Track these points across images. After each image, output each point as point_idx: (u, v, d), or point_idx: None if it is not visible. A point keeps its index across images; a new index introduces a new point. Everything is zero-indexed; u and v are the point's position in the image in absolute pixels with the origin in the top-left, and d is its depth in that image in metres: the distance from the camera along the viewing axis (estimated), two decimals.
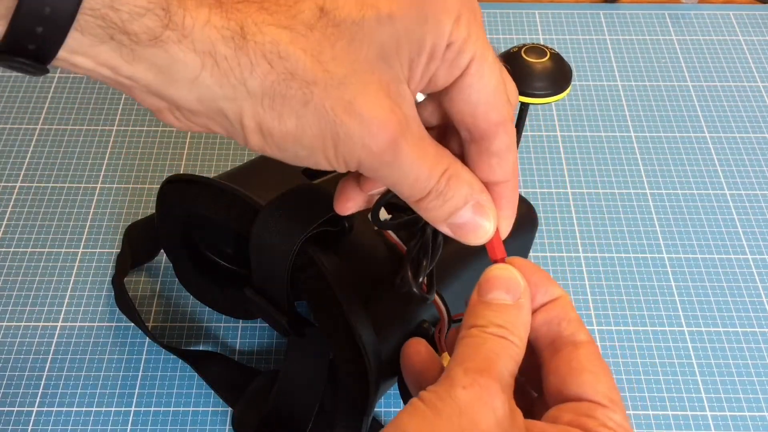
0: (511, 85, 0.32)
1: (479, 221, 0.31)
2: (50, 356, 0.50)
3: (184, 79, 0.26)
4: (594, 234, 0.57)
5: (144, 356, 0.50)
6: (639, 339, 0.52)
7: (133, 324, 0.51)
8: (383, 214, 0.41)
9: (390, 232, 0.41)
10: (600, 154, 0.62)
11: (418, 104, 0.31)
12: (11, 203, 0.58)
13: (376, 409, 0.48)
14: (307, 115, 0.27)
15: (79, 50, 0.25)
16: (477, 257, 0.44)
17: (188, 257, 0.48)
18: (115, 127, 0.63)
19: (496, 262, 0.33)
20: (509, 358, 0.29)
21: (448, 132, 0.33)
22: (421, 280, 0.38)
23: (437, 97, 0.31)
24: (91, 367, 0.50)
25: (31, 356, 0.50)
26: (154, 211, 0.48)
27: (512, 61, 0.39)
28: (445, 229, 0.31)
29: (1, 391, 0.48)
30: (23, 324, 0.51)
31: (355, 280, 0.40)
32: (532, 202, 0.48)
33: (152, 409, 0.48)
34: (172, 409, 0.48)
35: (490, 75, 0.29)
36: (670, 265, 0.56)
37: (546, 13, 0.74)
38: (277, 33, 0.26)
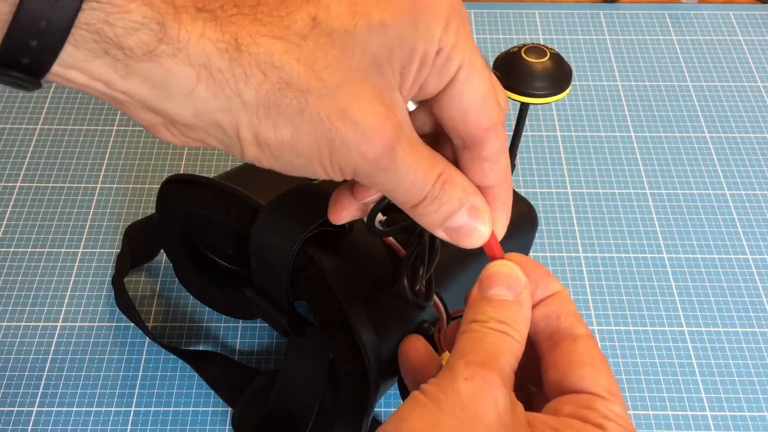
0: (501, 91, 0.32)
1: (474, 224, 0.31)
2: (50, 356, 0.50)
3: (179, 92, 0.26)
4: (594, 234, 0.57)
5: (144, 356, 0.50)
6: (639, 339, 0.52)
7: (133, 324, 0.51)
8: (378, 218, 0.41)
9: (389, 235, 0.41)
10: (600, 154, 0.62)
11: (410, 113, 0.31)
12: (11, 203, 0.58)
13: (376, 409, 0.48)
14: (302, 124, 0.27)
15: (73, 65, 0.25)
16: (476, 258, 0.44)
17: (188, 257, 0.48)
18: (115, 127, 0.63)
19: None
20: (510, 352, 0.29)
21: (440, 139, 0.33)
22: (417, 287, 0.38)
23: (428, 105, 0.31)
24: (91, 367, 0.50)
25: (31, 356, 0.50)
26: (154, 211, 0.48)
27: (512, 61, 0.39)
28: (441, 234, 0.31)
29: (1, 391, 0.48)
30: (23, 324, 0.51)
31: (355, 280, 0.40)
32: (532, 202, 0.48)
33: (152, 409, 0.48)
34: (172, 409, 0.48)
35: (480, 81, 0.30)
36: (670, 265, 0.56)
37: (546, 13, 0.74)
38: (271, 44, 0.26)
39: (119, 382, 0.49)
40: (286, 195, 0.41)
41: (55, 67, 0.25)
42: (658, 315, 0.53)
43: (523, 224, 0.48)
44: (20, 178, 0.60)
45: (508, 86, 0.39)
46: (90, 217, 0.57)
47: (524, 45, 0.40)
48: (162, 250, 0.53)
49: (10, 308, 0.52)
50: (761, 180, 0.61)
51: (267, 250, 0.40)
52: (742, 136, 0.64)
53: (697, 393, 0.49)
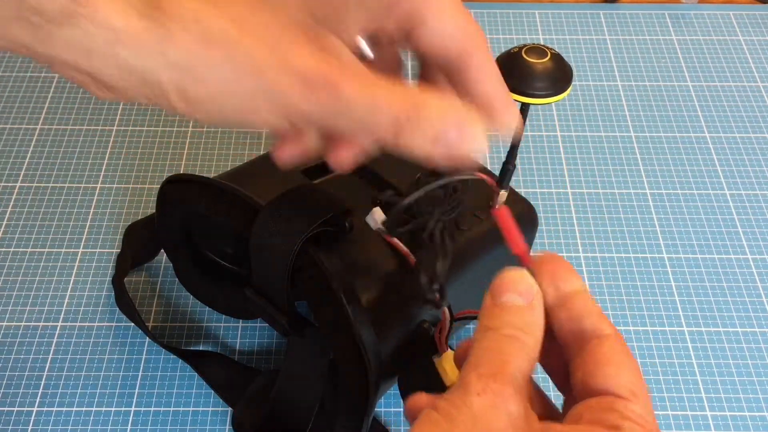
0: (471, 19, 0.32)
1: (467, 129, 0.29)
2: (50, 356, 0.50)
3: (100, 54, 0.26)
4: (594, 234, 0.57)
5: (144, 356, 0.50)
6: (639, 339, 0.52)
7: (133, 324, 0.51)
8: (380, 216, 0.41)
9: (391, 236, 0.41)
10: (600, 154, 0.62)
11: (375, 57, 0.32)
12: (11, 203, 0.58)
13: (376, 409, 0.48)
14: (232, 78, 0.27)
15: None
16: (476, 259, 0.44)
17: (188, 257, 0.48)
18: (115, 127, 0.63)
19: (517, 256, 0.32)
20: (523, 358, 0.29)
21: (430, 79, 0.34)
22: (435, 286, 0.38)
23: (410, 45, 0.32)
24: (91, 367, 0.50)
25: (31, 356, 0.50)
26: (154, 211, 0.48)
27: (513, 61, 0.39)
28: (439, 156, 0.29)
29: (1, 391, 0.48)
30: (23, 324, 0.51)
31: (355, 279, 0.40)
32: (532, 202, 0.48)
33: (152, 409, 0.48)
34: (172, 409, 0.48)
35: (439, 3, 0.31)
36: (670, 265, 0.56)
37: (546, 13, 0.74)
38: (195, 3, 0.26)
39: (119, 382, 0.49)
40: (286, 195, 0.41)
41: None
42: (658, 315, 0.53)
43: (523, 224, 0.47)
44: (20, 178, 0.60)
45: (509, 87, 0.39)
46: (90, 217, 0.57)
47: (525, 45, 0.40)
48: (162, 250, 0.53)
49: (10, 308, 0.52)
50: (761, 180, 0.61)
51: (267, 250, 0.40)
52: (742, 136, 0.64)
53: (697, 393, 0.49)
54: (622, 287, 0.54)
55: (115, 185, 0.59)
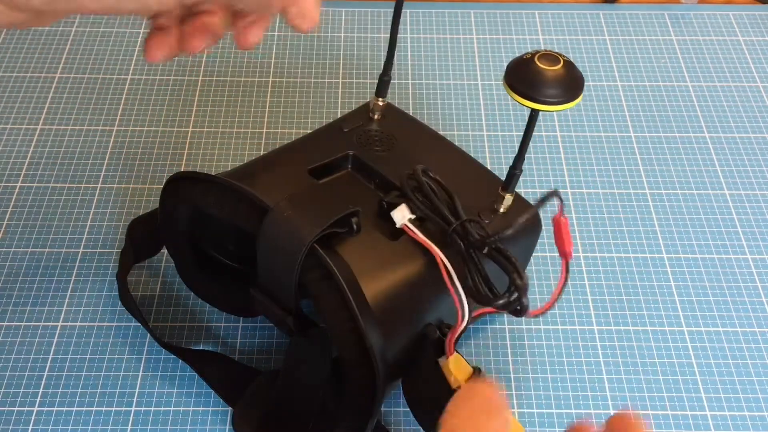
0: None
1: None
2: (50, 356, 0.50)
3: None
4: (594, 234, 0.57)
5: (144, 356, 0.50)
6: (639, 339, 0.52)
7: (133, 324, 0.51)
8: (406, 213, 0.42)
9: (417, 232, 0.42)
10: (600, 154, 0.62)
11: None
12: (12, 203, 0.58)
13: None
14: None
15: None
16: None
17: (191, 255, 0.48)
18: (115, 127, 0.63)
19: (563, 251, 0.38)
20: None
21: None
22: (490, 288, 0.40)
23: None
24: (91, 367, 0.50)
25: (32, 356, 0.50)
26: (156, 208, 0.48)
27: (525, 67, 0.39)
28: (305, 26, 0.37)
29: (2, 390, 0.49)
30: (23, 324, 0.52)
31: (362, 281, 0.40)
32: (532, 202, 0.48)
33: (152, 408, 0.48)
34: (172, 408, 0.48)
35: None
36: (669, 265, 0.56)
37: (546, 13, 0.74)
38: None
39: (119, 381, 0.49)
40: (295, 196, 0.41)
41: None
42: (658, 315, 0.53)
43: (526, 228, 0.48)
44: (21, 178, 0.60)
45: (520, 92, 0.39)
46: (90, 217, 0.57)
47: (537, 51, 0.39)
48: (164, 247, 0.53)
49: (10, 308, 0.52)
50: (761, 180, 0.61)
51: (275, 251, 0.40)
52: (742, 136, 0.64)
53: (697, 393, 0.49)
54: (621, 287, 0.54)
55: (115, 185, 0.59)
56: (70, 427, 0.47)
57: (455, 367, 0.41)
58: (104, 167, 0.61)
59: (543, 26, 0.73)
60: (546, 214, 0.58)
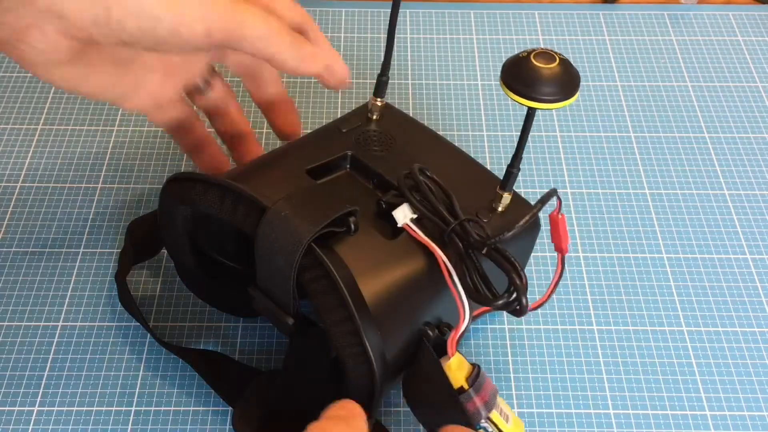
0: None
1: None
2: (51, 356, 0.50)
3: None
4: (593, 234, 0.57)
5: (144, 356, 0.50)
6: (638, 339, 0.52)
7: (133, 324, 0.51)
8: (408, 213, 0.42)
9: (419, 232, 0.42)
10: (600, 154, 0.62)
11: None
12: (12, 203, 0.58)
13: None
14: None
15: None
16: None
17: (190, 255, 0.48)
18: (115, 128, 0.63)
19: (559, 247, 0.40)
20: None
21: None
22: (488, 287, 0.41)
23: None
24: (91, 367, 0.50)
25: (32, 356, 0.50)
26: (156, 209, 0.48)
27: (520, 65, 0.39)
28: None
29: (2, 390, 0.49)
30: (24, 324, 0.52)
31: (359, 280, 0.40)
32: (532, 203, 0.48)
33: (153, 408, 0.48)
34: (172, 408, 0.48)
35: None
36: (669, 265, 0.56)
37: (546, 13, 0.74)
38: None
39: (120, 381, 0.49)
40: (292, 196, 0.41)
41: None
42: (658, 315, 0.53)
43: (525, 228, 0.48)
44: (21, 178, 0.60)
45: (516, 91, 0.39)
46: (90, 217, 0.57)
47: (534, 50, 0.39)
48: (164, 248, 0.54)
49: (10, 308, 0.52)
50: (760, 180, 0.61)
51: (273, 250, 0.40)
52: (741, 136, 0.64)
53: (697, 393, 0.49)
54: (621, 287, 0.54)
55: (115, 185, 0.59)
56: (70, 427, 0.47)
57: (457, 366, 0.41)
58: (104, 167, 0.61)
59: (543, 26, 0.73)
60: (544, 213, 0.58)
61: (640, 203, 0.59)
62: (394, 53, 0.55)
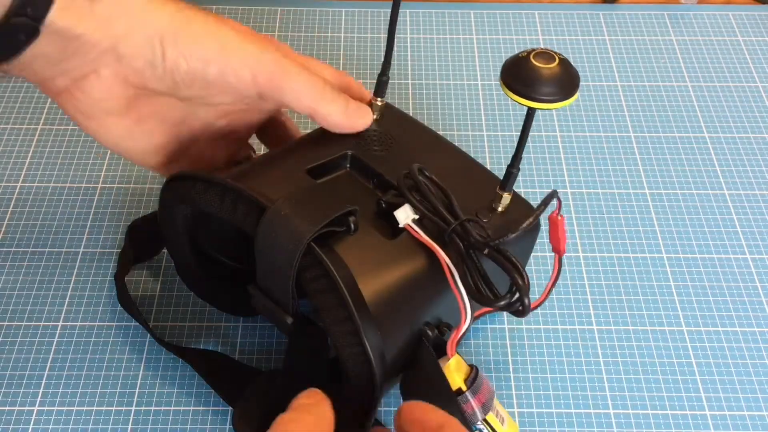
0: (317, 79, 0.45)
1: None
2: (51, 355, 0.50)
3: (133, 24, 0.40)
4: (593, 234, 0.57)
5: (144, 355, 0.50)
6: (638, 339, 0.52)
7: (133, 324, 0.51)
8: (410, 213, 0.42)
9: (420, 232, 0.42)
10: (599, 154, 0.63)
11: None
12: (12, 203, 0.58)
13: None
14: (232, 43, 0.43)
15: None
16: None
17: (190, 254, 0.48)
18: None
19: (557, 248, 0.41)
20: None
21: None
22: (490, 288, 0.41)
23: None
24: (91, 367, 0.50)
25: (32, 355, 0.50)
26: (156, 209, 0.48)
27: (520, 65, 0.39)
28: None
29: (2, 390, 0.49)
30: (24, 324, 0.52)
31: (359, 280, 0.40)
32: (531, 203, 0.48)
33: (153, 408, 0.48)
34: (172, 408, 0.48)
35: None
36: (669, 265, 0.56)
37: (546, 13, 0.74)
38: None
39: (120, 381, 0.49)
40: (292, 195, 0.41)
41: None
42: (657, 315, 0.53)
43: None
44: (21, 178, 0.60)
45: (516, 91, 0.39)
46: (91, 217, 0.57)
47: (533, 50, 0.39)
48: (164, 248, 0.54)
49: (11, 308, 0.52)
50: (760, 180, 0.61)
51: (273, 250, 0.40)
52: (741, 136, 0.64)
53: (696, 393, 0.49)
54: (621, 287, 0.54)
55: (116, 185, 0.59)
56: (70, 426, 0.47)
57: (456, 367, 0.41)
58: (104, 167, 0.61)
59: (543, 26, 0.73)
60: (543, 214, 0.58)
61: (640, 203, 0.59)
62: (394, 53, 0.55)
